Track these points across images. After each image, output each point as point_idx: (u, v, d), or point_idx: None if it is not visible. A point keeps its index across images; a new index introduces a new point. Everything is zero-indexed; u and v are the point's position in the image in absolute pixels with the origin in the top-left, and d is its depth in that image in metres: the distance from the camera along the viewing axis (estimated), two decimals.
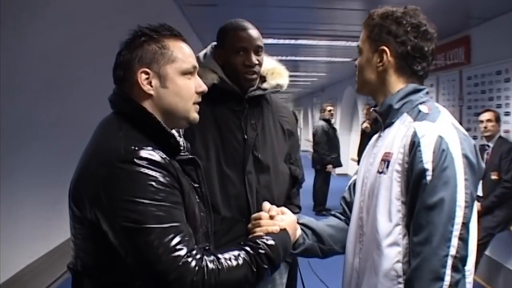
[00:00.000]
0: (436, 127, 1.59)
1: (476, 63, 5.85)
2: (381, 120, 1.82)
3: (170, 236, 1.37)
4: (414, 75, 1.76)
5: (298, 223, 1.95)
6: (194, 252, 1.40)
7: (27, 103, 3.71)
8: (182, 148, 1.67)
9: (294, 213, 2.56)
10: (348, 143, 13.98)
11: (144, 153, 1.42)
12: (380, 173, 1.69)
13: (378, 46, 1.75)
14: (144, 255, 1.36)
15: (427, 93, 1.79)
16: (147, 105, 1.54)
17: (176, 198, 1.45)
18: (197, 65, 1.64)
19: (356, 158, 9.64)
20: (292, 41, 7.49)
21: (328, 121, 9.55)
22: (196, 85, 1.62)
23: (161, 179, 1.42)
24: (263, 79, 2.42)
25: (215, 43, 2.40)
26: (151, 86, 1.54)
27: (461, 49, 6.36)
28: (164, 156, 1.46)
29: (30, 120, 3.85)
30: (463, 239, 1.52)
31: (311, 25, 6.55)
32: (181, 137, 1.78)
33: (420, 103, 1.72)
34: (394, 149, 1.66)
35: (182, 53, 1.59)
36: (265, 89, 2.40)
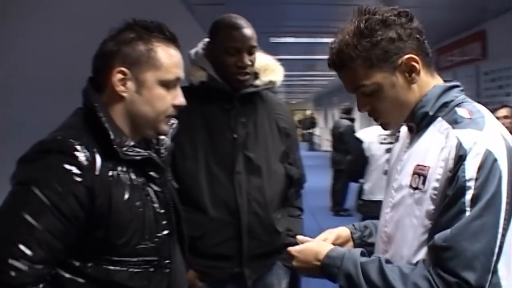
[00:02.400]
0: (484, 138, 1.32)
1: (493, 58, 5.71)
2: (414, 125, 1.53)
3: (23, 231, 1.29)
4: (430, 59, 1.50)
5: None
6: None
7: (27, 107, 3.67)
8: (138, 147, 1.51)
9: (295, 216, 2.51)
10: None
11: (67, 147, 1.35)
12: (415, 189, 1.42)
13: (396, 60, 1.43)
14: None
15: (462, 90, 1.51)
16: (117, 105, 1.47)
17: (64, 205, 1.33)
18: (182, 76, 1.54)
19: None
20: (309, 40, 7.36)
21: (353, 121, 9.33)
22: (174, 97, 1.52)
23: (66, 179, 1.34)
24: (255, 75, 2.34)
25: (207, 39, 2.32)
26: (126, 88, 1.45)
27: (477, 44, 6.22)
28: (90, 157, 1.37)
29: (32, 123, 3.81)
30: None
31: (329, 22, 6.39)
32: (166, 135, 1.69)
33: (457, 105, 1.45)
34: (431, 161, 1.39)
35: (169, 61, 1.49)
36: (257, 86, 2.32)
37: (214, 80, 2.23)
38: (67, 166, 1.33)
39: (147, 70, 1.45)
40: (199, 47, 2.34)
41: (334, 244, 1.63)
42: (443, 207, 1.32)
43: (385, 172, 1.81)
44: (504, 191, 1.29)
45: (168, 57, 1.48)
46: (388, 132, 3.33)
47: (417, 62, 1.44)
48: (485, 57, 5.95)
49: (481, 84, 6.26)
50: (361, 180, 4.57)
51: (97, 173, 1.37)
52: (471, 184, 1.28)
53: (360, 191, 4.57)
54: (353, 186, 9.24)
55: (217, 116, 2.26)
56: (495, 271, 1.31)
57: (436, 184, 1.35)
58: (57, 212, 1.31)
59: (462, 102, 1.46)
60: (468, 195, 1.28)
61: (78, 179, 1.34)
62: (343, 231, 1.76)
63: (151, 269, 1.49)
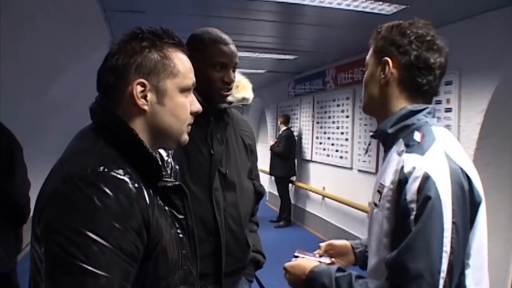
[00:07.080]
0: (424, 162, 1.45)
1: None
2: (382, 143, 1.72)
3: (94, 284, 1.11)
4: (418, 89, 1.62)
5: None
6: None
7: None
8: (166, 172, 1.43)
9: (254, 231, 2.53)
10: None
11: (113, 178, 1.17)
12: (375, 205, 1.59)
13: (382, 57, 1.64)
14: None
15: (429, 113, 1.63)
16: (137, 121, 1.32)
17: (126, 244, 1.16)
18: (195, 81, 1.44)
19: (266, 169, 9.75)
20: None
21: None
22: (191, 104, 1.42)
23: (122, 214, 1.16)
24: None
25: None
26: (146, 100, 1.32)
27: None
28: (137, 185, 1.21)
29: None
30: None
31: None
32: (169, 157, 1.60)
33: (417, 128, 1.58)
34: (387, 181, 1.54)
35: (184, 67, 1.38)
36: (230, 103, 2.29)
37: None
38: (120, 200, 1.16)
39: (166, 78, 1.34)
40: None
41: (328, 254, 1.94)
42: (395, 228, 1.46)
43: None
44: (446, 211, 1.38)
45: (182, 62, 1.38)
46: None
47: (389, 67, 1.63)
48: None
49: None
50: None
51: (148, 202, 1.24)
52: (413, 205, 1.40)
53: None
54: None
55: (192, 130, 2.17)
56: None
57: (388, 205, 1.50)
58: (121, 253, 1.15)
59: (422, 126, 1.59)
60: (412, 216, 1.39)
61: (133, 211, 1.18)
62: (341, 242, 2.01)
63: None
